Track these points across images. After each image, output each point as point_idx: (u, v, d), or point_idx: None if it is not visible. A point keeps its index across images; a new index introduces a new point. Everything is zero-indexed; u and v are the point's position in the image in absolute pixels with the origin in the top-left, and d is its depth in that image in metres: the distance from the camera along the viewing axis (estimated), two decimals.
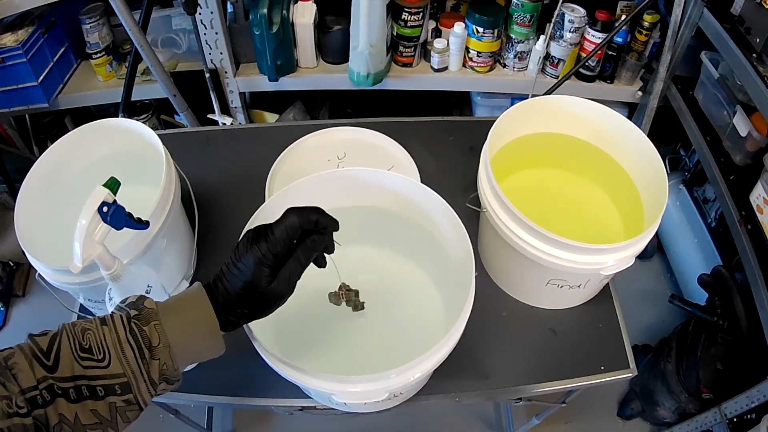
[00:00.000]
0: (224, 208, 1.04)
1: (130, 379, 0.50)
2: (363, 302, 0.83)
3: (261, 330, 0.64)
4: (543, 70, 1.70)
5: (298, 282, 0.58)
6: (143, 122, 1.00)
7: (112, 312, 0.54)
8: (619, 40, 1.58)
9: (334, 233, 0.61)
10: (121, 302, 0.55)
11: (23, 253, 0.75)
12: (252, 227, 0.57)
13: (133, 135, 0.89)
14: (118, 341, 0.50)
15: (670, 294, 1.47)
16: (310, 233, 0.57)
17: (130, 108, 1.58)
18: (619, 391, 1.66)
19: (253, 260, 0.54)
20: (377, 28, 1.49)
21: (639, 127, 0.88)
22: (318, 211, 0.57)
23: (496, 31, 1.60)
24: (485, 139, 0.84)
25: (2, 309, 1.84)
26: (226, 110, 1.79)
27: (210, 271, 0.96)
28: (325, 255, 0.63)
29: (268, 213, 0.74)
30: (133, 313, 0.53)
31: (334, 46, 1.67)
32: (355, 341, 0.82)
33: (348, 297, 0.81)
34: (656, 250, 1.94)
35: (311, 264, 0.60)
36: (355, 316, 0.83)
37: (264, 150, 1.09)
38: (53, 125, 1.97)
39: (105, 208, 0.61)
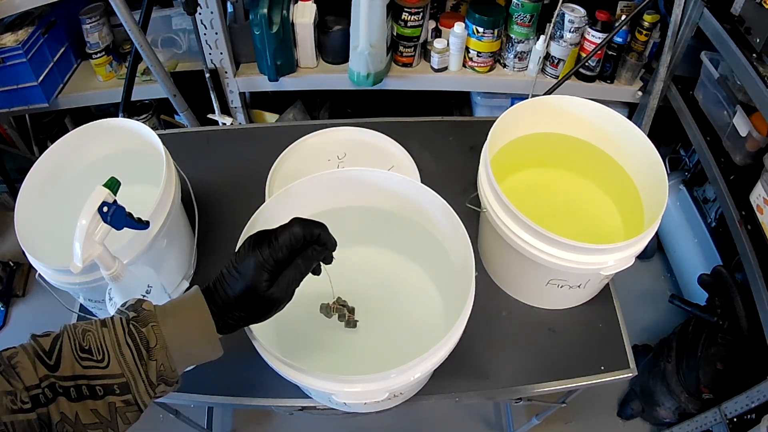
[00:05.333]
0: (224, 208, 1.04)
1: (129, 379, 0.50)
2: (357, 320, 0.82)
3: (261, 330, 0.64)
4: (543, 70, 1.70)
5: (301, 283, 0.58)
6: (143, 122, 1.00)
7: (113, 314, 0.54)
8: (619, 40, 1.58)
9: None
10: (121, 305, 0.56)
11: (23, 253, 0.75)
12: (252, 233, 0.57)
13: (133, 135, 0.89)
14: (117, 342, 0.51)
15: (670, 294, 1.47)
16: (311, 244, 0.58)
17: (130, 108, 1.58)
18: (619, 391, 1.66)
19: (254, 264, 0.54)
20: (377, 28, 1.49)
21: (639, 127, 0.88)
22: (322, 226, 0.58)
23: (496, 31, 1.60)
24: (485, 139, 0.84)
25: (2, 309, 1.84)
26: (226, 110, 1.79)
27: (210, 272, 0.96)
28: (321, 264, 0.63)
29: (267, 213, 0.74)
30: (132, 315, 0.53)
31: (334, 46, 1.67)
32: (355, 341, 0.82)
33: (340, 311, 0.81)
34: (656, 250, 1.94)
35: None
36: (356, 316, 0.83)
37: (264, 150, 1.09)
38: (53, 125, 1.97)
39: (105, 208, 0.61)
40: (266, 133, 1.21)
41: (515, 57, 1.67)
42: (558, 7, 1.48)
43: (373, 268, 0.90)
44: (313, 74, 1.72)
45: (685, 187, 1.75)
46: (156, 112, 1.91)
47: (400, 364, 0.61)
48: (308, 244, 0.58)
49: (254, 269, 0.54)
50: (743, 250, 1.24)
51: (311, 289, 0.70)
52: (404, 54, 1.69)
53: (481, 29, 1.59)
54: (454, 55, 1.68)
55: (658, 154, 0.83)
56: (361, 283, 0.87)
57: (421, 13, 1.57)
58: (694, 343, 1.37)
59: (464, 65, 1.73)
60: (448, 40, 1.66)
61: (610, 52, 1.63)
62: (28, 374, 0.47)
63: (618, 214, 0.95)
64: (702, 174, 1.69)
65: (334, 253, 0.62)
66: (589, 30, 1.57)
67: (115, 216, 0.62)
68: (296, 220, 0.57)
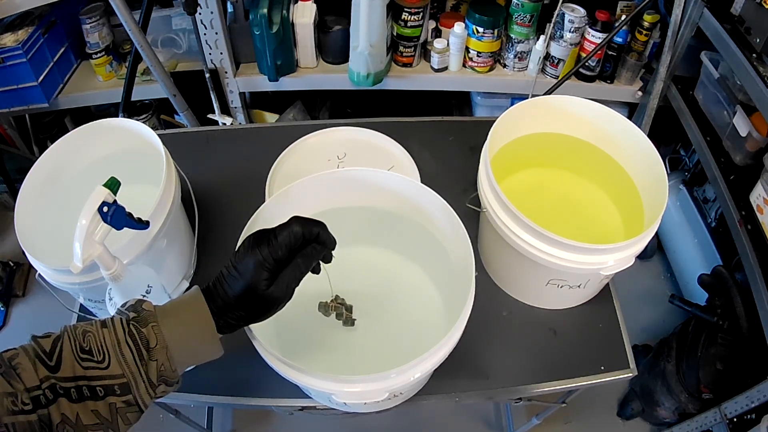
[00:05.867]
0: (224, 208, 1.04)
1: (129, 379, 0.50)
2: (354, 319, 0.82)
3: (261, 330, 0.64)
4: (543, 70, 1.70)
5: (301, 283, 0.58)
6: (143, 122, 1.00)
7: (113, 315, 0.54)
8: (619, 40, 1.58)
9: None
10: (121, 306, 0.56)
11: (23, 253, 0.75)
12: (252, 232, 0.57)
13: (133, 135, 0.89)
14: (117, 343, 0.51)
15: (670, 294, 1.47)
16: (310, 242, 0.58)
17: (130, 108, 1.58)
18: (619, 391, 1.66)
19: (254, 263, 0.54)
20: (377, 28, 1.49)
21: (639, 127, 0.88)
22: (321, 225, 0.58)
23: (496, 31, 1.60)
24: (485, 139, 0.84)
25: (2, 309, 1.84)
26: (226, 110, 1.79)
27: (210, 272, 0.96)
28: (320, 263, 0.63)
29: (267, 213, 0.74)
30: (132, 315, 0.53)
31: (334, 46, 1.67)
32: (355, 341, 0.82)
33: (338, 310, 0.81)
34: (656, 250, 1.94)
35: None
36: (356, 317, 0.83)
37: (264, 150, 1.09)
38: (53, 125, 1.97)
39: (105, 208, 0.61)
40: (266, 133, 1.21)
41: (515, 57, 1.67)
42: (558, 7, 1.48)
43: (373, 267, 0.90)
44: (313, 74, 1.72)
45: (685, 187, 1.75)
46: (156, 112, 1.91)
47: (400, 364, 0.61)
48: (307, 242, 0.57)
49: (254, 268, 0.54)
50: (743, 250, 1.24)
51: (311, 288, 0.70)
52: (404, 54, 1.68)
53: (481, 29, 1.59)
54: (454, 55, 1.68)
55: (658, 154, 0.83)
56: (362, 283, 0.87)
57: (421, 13, 1.57)
58: (694, 343, 1.37)
59: (464, 65, 1.73)
60: (448, 40, 1.66)
61: (610, 52, 1.63)
62: (28, 375, 0.47)
63: (618, 214, 0.95)
64: (702, 174, 1.69)
65: (333, 253, 0.62)
66: (589, 30, 1.57)
67: (115, 216, 0.62)
68: (295, 219, 0.57)
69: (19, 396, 0.46)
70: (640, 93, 1.69)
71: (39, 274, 0.77)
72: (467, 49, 1.67)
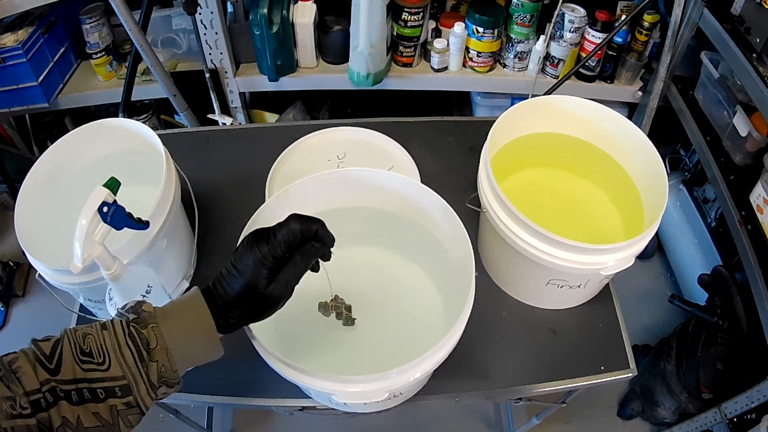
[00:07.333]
0: (224, 208, 1.04)
1: (130, 381, 0.50)
2: (354, 318, 0.82)
3: (261, 330, 0.64)
4: (543, 70, 1.70)
5: (300, 282, 0.58)
6: (143, 122, 1.00)
7: (113, 317, 0.54)
8: (619, 40, 1.58)
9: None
10: (121, 308, 0.56)
11: (23, 253, 0.75)
12: (251, 231, 0.57)
13: (133, 135, 0.89)
14: (117, 344, 0.51)
15: (670, 294, 1.47)
16: (309, 240, 0.58)
17: (130, 108, 1.58)
18: (619, 391, 1.66)
19: (253, 261, 0.54)
20: (377, 28, 1.49)
21: (639, 127, 0.88)
22: (319, 222, 0.58)
23: (496, 31, 1.60)
24: (485, 139, 0.84)
25: (2, 309, 1.84)
26: (226, 110, 1.79)
27: (210, 272, 0.96)
28: (320, 261, 0.63)
29: (267, 213, 0.74)
30: (132, 317, 0.53)
31: (334, 46, 1.67)
32: (355, 341, 0.82)
33: (338, 309, 0.81)
34: (656, 250, 1.94)
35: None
36: (355, 316, 0.83)
37: (264, 150, 1.09)
38: (53, 125, 1.97)
39: (105, 208, 0.61)
40: (266, 133, 1.21)
41: (515, 57, 1.67)
42: (558, 7, 1.48)
43: (373, 268, 0.90)
44: (313, 74, 1.72)
45: (685, 187, 1.75)
46: (156, 112, 1.91)
47: (400, 363, 0.61)
48: (306, 240, 0.57)
49: (253, 266, 0.54)
50: (743, 250, 1.24)
51: (311, 288, 0.70)
52: (404, 54, 1.68)
53: (481, 29, 1.59)
54: (454, 55, 1.68)
55: (658, 154, 0.83)
56: (362, 284, 0.87)
57: (421, 13, 1.57)
58: (694, 343, 1.37)
59: (464, 65, 1.73)
60: (448, 40, 1.66)
61: (610, 52, 1.63)
62: (28, 379, 0.47)
63: (618, 214, 0.95)
64: (702, 174, 1.69)
65: (333, 253, 0.62)
66: (589, 30, 1.57)
67: (115, 216, 0.62)
68: (293, 217, 0.57)
69: (17, 400, 0.46)
70: (640, 93, 1.69)
71: (39, 274, 0.77)
72: (467, 49, 1.67)
